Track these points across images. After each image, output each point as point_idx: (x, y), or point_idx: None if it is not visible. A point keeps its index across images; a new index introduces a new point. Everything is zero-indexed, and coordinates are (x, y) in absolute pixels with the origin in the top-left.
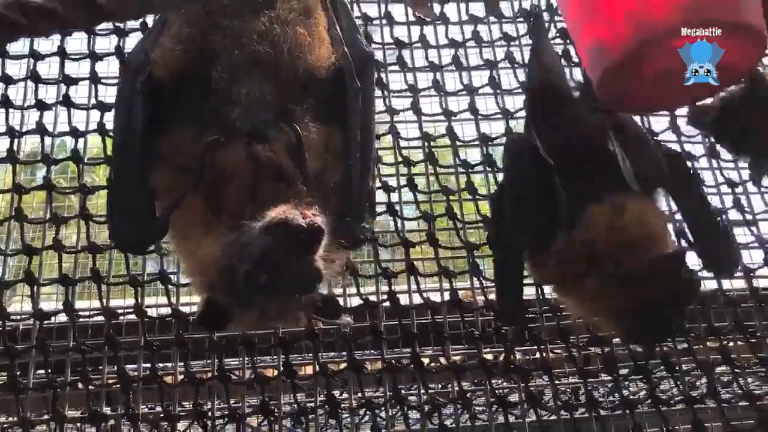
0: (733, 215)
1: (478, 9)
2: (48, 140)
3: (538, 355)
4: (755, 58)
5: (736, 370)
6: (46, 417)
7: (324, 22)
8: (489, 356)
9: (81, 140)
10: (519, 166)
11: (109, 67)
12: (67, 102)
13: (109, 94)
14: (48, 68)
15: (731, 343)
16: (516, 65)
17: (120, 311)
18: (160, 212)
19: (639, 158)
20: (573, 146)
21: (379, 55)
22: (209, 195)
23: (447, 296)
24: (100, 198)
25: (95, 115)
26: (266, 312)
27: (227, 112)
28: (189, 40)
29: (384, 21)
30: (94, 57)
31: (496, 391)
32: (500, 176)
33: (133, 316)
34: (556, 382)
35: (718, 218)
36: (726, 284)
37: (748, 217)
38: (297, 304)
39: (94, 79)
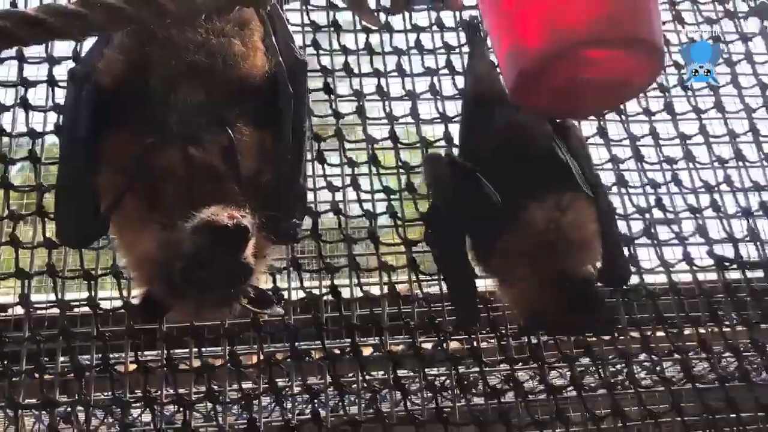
0: (657, 213)
1: (422, 18)
2: (5, 140)
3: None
4: (655, 74)
5: (654, 357)
6: (2, 404)
7: (260, 32)
8: (428, 345)
9: (39, 141)
10: (443, 183)
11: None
12: (25, 104)
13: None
14: (7, 71)
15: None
16: (455, 73)
17: (74, 304)
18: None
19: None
20: (510, 147)
21: (326, 61)
22: (147, 195)
23: (386, 290)
24: None
25: (52, 116)
26: (201, 303)
27: (164, 117)
28: (130, 51)
29: (332, 29)
30: (52, 61)
31: (429, 378)
32: None
33: (86, 309)
34: (489, 369)
35: (618, 233)
36: (648, 279)
37: (670, 216)
38: (230, 295)
39: (52, 82)
